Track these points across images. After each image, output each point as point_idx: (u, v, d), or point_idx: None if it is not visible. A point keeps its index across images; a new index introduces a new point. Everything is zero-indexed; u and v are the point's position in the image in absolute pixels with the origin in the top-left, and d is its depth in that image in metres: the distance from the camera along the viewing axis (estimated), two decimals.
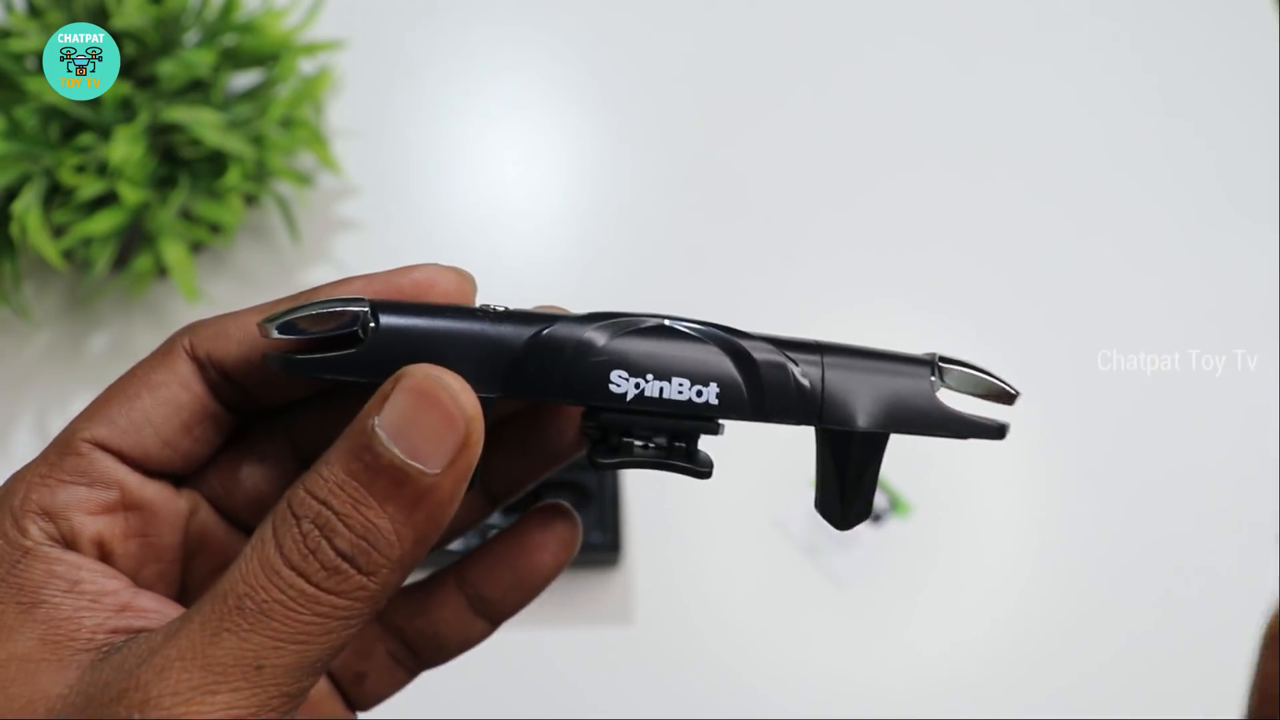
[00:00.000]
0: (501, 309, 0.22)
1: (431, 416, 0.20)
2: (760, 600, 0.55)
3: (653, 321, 0.22)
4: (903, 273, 0.64)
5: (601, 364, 0.21)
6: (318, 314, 0.21)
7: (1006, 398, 0.23)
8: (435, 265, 0.24)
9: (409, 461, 0.19)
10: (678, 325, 0.22)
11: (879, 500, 0.57)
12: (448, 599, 0.27)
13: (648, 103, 0.69)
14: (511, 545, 0.27)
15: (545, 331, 0.21)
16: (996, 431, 0.23)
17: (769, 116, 0.68)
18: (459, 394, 0.20)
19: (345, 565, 0.20)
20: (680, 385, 0.21)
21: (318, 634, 0.20)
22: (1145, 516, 0.58)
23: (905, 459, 0.46)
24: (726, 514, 0.57)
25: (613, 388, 0.21)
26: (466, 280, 0.24)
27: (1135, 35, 0.72)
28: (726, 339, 0.22)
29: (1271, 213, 0.65)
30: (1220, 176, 0.67)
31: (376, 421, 0.20)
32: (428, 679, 0.54)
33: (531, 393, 0.21)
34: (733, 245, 0.64)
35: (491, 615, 0.28)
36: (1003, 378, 0.23)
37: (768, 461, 0.56)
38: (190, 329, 0.24)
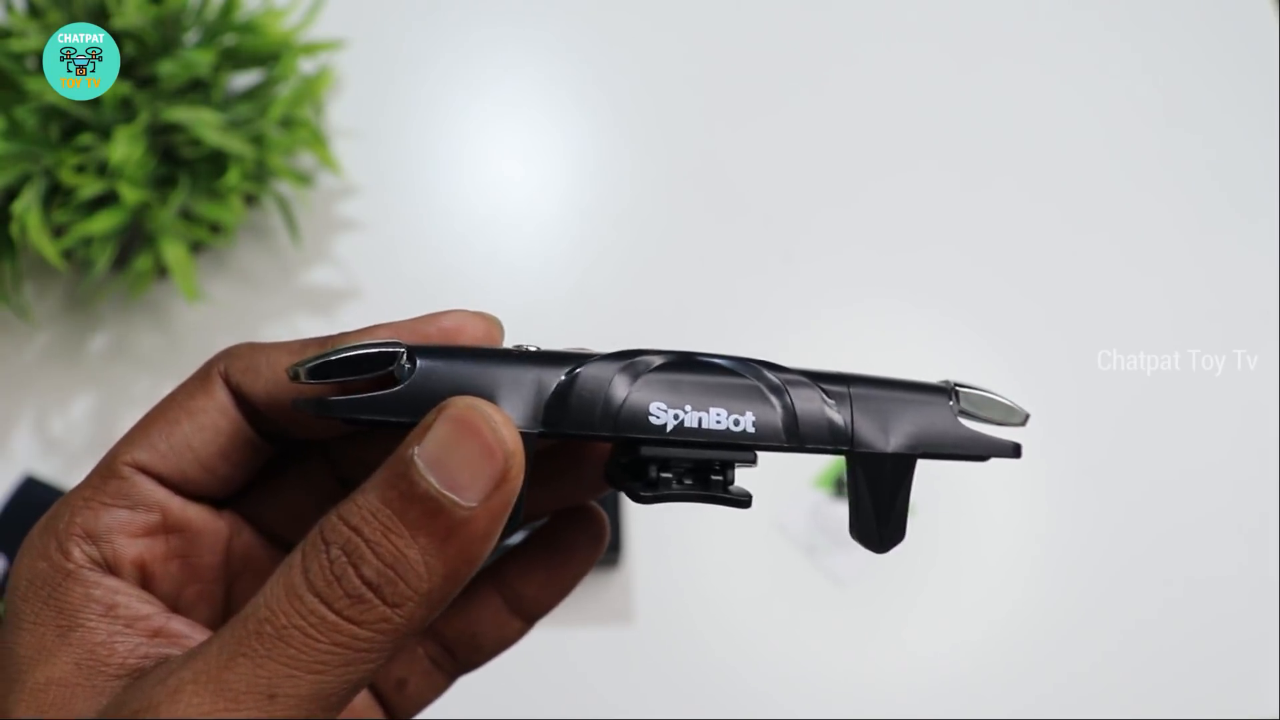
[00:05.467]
0: (534, 349, 0.22)
1: (471, 447, 0.19)
2: (760, 600, 0.55)
3: (685, 356, 0.22)
4: (902, 272, 0.64)
5: (641, 396, 0.22)
6: (352, 358, 0.21)
7: (1018, 418, 0.24)
8: (463, 311, 0.24)
9: (444, 492, 0.19)
10: (711, 359, 0.22)
11: None
12: (486, 600, 0.28)
13: (647, 102, 0.69)
14: (545, 544, 0.28)
15: (581, 369, 0.22)
16: (1013, 450, 0.24)
17: (768, 116, 0.68)
18: (500, 426, 0.20)
19: (370, 594, 0.19)
20: (718, 415, 0.22)
21: (335, 665, 0.19)
22: (1145, 516, 0.58)
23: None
24: (726, 514, 0.57)
25: (653, 419, 0.22)
26: (494, 325, 0.24)
27: (1135, 35, 0.72)
28: (760, 371, 0.23)
29: (1271, 213, 0.65)
30: (1220, 177, 0.67)
31: (416, 451, 0.19)
32: None
33: (572, 428, 0.21)
34: (732, 244, 0.64)
35: (527, 613, 0.28)
36: (1013, 400, 0.24)
37: (767, 462, 0.55)
38: (226, 355, 0.24)
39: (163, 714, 0.19)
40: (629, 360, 0.22)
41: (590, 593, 0.54)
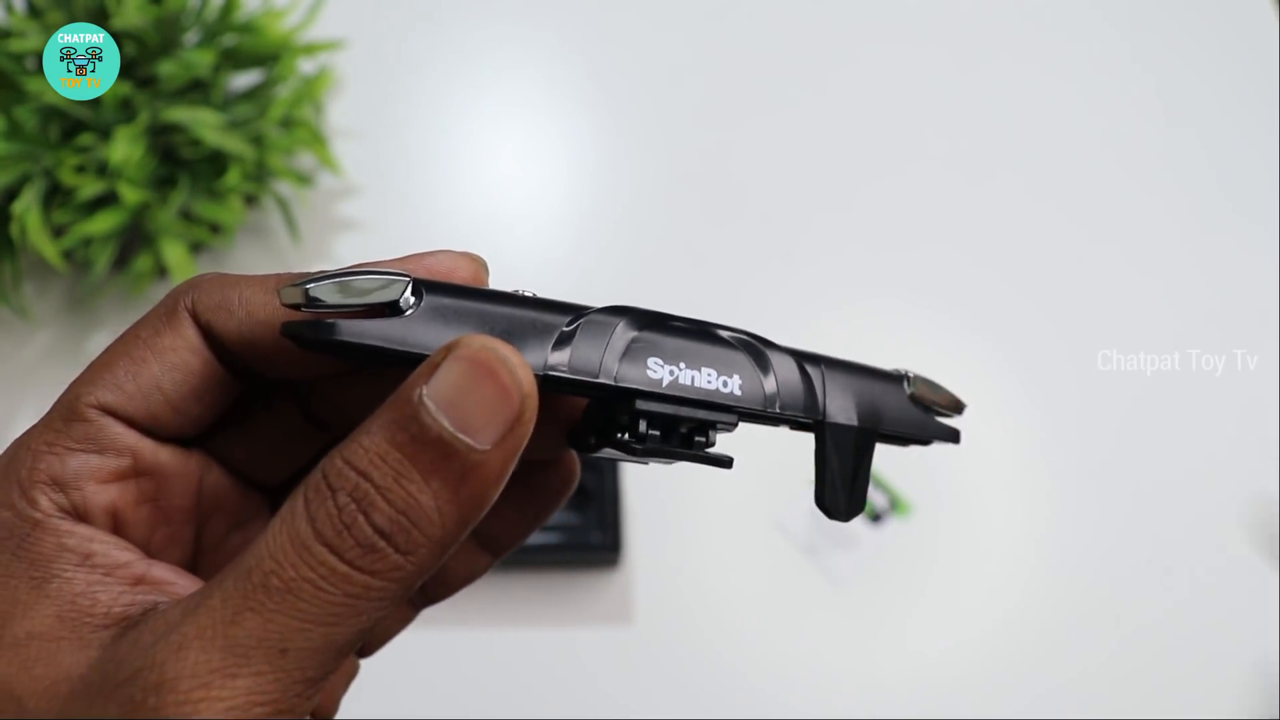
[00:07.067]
0: (530, 294, 0.22)
1: (486, 389, 0.19)
2: (760, 600, 0.55)
3: (681, 318, 0.23)
4: (902, 272, 0.64)
5: (640, 349, 0.22)
6: (358, 281, 0.20)
7: (958, 407, 0.26)
8: (449, 251, 0.23)
9: (458, 435, 0.18)
10: (705, 325, 0.23)
11: (879, 500, 0.57)
12: None
13: (647, 102, 0.69)
14: (515, 483, 0.27)
15: (585, 318, 0.22)
16: (955, 435, 0.26)
17: (768, 116, 0.68)
18: (517, 368, 0.19)
19: (382, 543, 0.18)
20: (709, 375, 0.23)
21: (347, 615, 0.18)
22: (1144, 516, 0.58)
23: (905, 459, 0.46)
24: (726, 514, 0.57)
25: (650, 373, 0.22)
26: (482, 267, 0.23)
27: (1136, 36, 0.72)
28: (748, 341, 0.24)
29: (1271, 213, 0.65)
30: (1220, 177, 0.67)
31: (425, 391, 0.18)
32: (428, 678, 0.54)
33: (574, 374, 0.22)
34: (732, 245, 0.64)
35: (495, 549, 0.28)
36: (954, 390, 0.27)
37: (767, 462, 0.55)
38: (192, 288, 0.22)
39: (169, 673, 0.18)
40: (630, 315, 0.23)
41: (590, 593, 0.54)
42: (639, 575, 0.55)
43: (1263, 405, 0.60)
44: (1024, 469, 0.58)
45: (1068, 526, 0.57)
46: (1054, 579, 0.56)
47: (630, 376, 0.22)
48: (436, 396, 0.18)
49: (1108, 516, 0.58)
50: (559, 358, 0.22)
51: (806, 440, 0.25)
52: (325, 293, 0.20)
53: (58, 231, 0.53)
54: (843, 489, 0.24)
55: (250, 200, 0.60)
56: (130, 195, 0.51)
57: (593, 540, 0.53)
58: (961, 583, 0.56)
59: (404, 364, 0.20)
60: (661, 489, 0.56)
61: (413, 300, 0.20)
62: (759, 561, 0.56)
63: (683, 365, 0.23)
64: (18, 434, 0.22)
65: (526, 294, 0.22)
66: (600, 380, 0.22)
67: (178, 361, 0.22)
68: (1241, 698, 0.54)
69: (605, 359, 0.22)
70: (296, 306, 0.20)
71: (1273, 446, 0.59)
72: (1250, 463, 0.59)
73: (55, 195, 0.52)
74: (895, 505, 0.57)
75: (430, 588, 0.28)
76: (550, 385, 0.22)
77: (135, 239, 0.55)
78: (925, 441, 0.26)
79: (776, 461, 0.56)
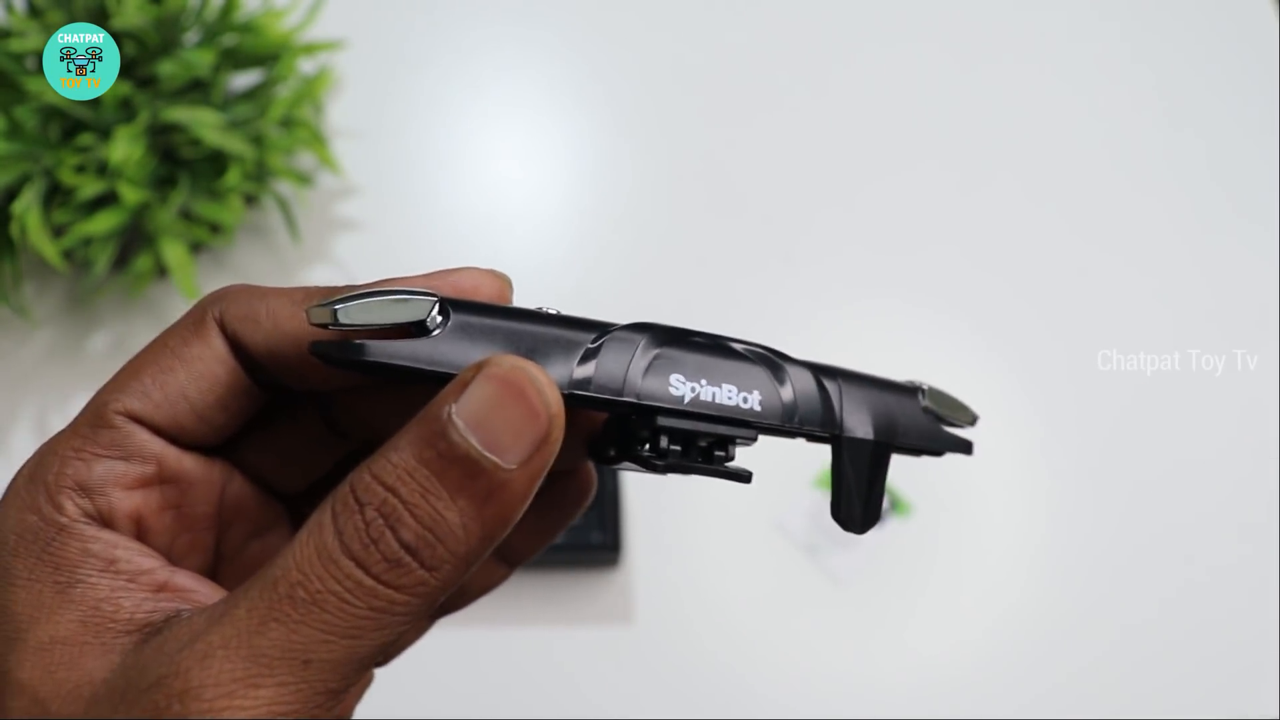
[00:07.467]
0: (554, 311, 0.22)
1: (515, 409, 0.19)
2: (760, 600, 0.55)
3: (700, 333, 0.23)
4: (902, 273, 0.64)
5: (663, 366, 0.23)
6: (386, 301, 0.20)
7: (969, 418, 0.27)
8: (476, 269, 0.23)
9: (485, 454, 0.19)
10: (724, 340, 0.24)
11: None
12: None
13: (647, 102, 0.69)
14: (535, 496, 0.28)
15: (608, 336, 0.22)
16: (967, 447, 0.27)
17: (768, 116, 0.68)
18: (545, 388, 0.19)
19: (408, 558, 0.19)
20: (729, 391, 0.23)
21: (371, 629, 0.19)
22: (1144, 516, 0.58)
23: (905, 459, 0.46)
24: (727, 514, 0.57)
25: (673, 390, 0.22)
26: (506, 284, 0.24)
27: (1135, 36, 0.72)
28: (766, 356, 0.24)
29: (1270, 213, 0.65)
30: (1219, 177, 0.67)
31: (454, 409, 0.19)
32: (427, 677, 0.54)
33: (598, 392, 0.22)
34: (732, 245, 0.64)
35: (512, 560, 0.28)
36: (967, 401, 0.27)
37: (768, 463, 0.55)
38: (221, 300, 0.23)
39: (194, 680, 0.18)
40: (652, 333, 0.23)
41: (590, 593, 0.54)
42: (639, 575, 0.55)
43: (1263, 405, 0.60)
44: (1024, 469, 0.58)
45: (1067, 526, 0.57)
46: (1054, 579, 0.56)
47: (653, 393, 0.22)
48: (465, 415, 0.19)
49: (1107, 516, 0.58)
50: (584, 375, 0.22)
51: (807, 441, 0.25)
52: (353, 313, 0.20)
53: (58, 231, 0.53)
54: (859, 501, 0.24)
55: (250, 200, 0.60)
56: (130, 195, 0.51)
57: (593, 540, 0.53)
58: (961, 583, 0.56)
59: (432, 382, 0.20)
60: (662, 489, 0.56)
61: (440, 319, 0.21)
62: (759, 561, 0.56)
63: (704, 382, 0.23)
64: (18, 433, 0.22)
65: (551, 311, 0.22)
66: (625, 398, 0.22)
67: (204, 371, 0.22)
68: (1241, 698, 0.54)
69: (629, 376, 0.22)
70: (325, 325, 0.20)
71: (1273, 446, 0.59)
72: (1250, 463, 0.59)
73: (55, 195, 0.52)
74: (895, 505, 0.57)
75: (449, 600, 0.28)
76: (575, 402, 0.22)
77: (135, 239, 0.55)
78: (938, 453, 0.26)
79: (777, 462, 0.56)
